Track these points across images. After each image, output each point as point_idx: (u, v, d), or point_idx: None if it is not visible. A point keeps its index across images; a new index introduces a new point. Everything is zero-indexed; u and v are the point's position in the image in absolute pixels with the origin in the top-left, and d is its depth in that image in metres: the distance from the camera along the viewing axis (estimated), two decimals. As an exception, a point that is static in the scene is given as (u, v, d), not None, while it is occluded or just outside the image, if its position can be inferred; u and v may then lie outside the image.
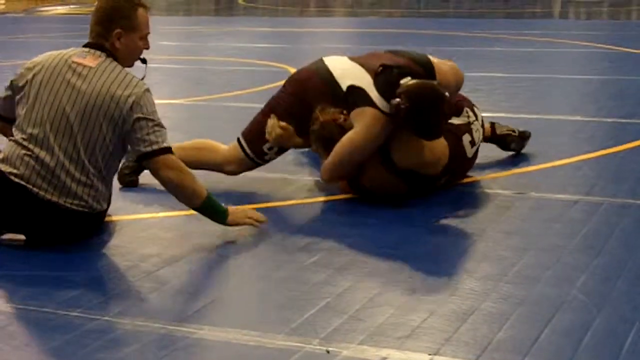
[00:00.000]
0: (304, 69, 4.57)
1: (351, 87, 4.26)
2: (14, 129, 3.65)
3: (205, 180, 4.58)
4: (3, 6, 19.90)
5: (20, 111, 3.63)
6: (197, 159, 4.50)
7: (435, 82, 4.12)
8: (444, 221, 3.99)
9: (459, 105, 4.45)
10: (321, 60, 4.52)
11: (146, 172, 4.07)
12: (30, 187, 3.52)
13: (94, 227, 3.71)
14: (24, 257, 3.55)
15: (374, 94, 4.18)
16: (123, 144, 3.63)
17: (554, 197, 4.26)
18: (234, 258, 3.51)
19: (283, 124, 4.33)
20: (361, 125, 4.15)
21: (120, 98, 3.54)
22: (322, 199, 4.33)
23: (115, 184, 4.06)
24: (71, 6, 19.52)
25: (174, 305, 3.07)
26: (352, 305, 3.01)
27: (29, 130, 3.57)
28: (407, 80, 4.11)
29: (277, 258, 3.49)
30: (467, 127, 4.37)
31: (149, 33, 3.76)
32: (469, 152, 4.39)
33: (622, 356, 2.62)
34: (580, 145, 5.34)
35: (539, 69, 8.70)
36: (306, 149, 4.74)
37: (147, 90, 3.62)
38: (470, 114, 4.45)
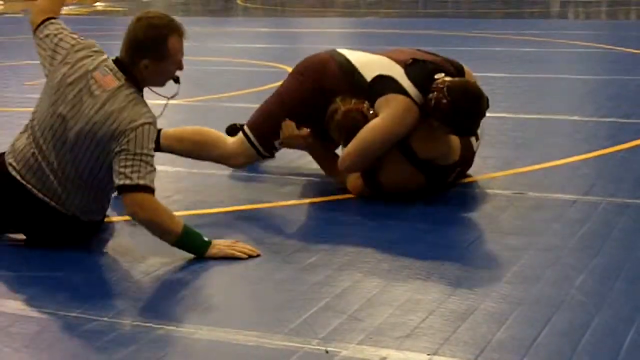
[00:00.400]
0: (315, 55, 4.50)
1: (378, 77, 4.21)
2: (32, 113, 3.65)
3: (205, 183, 4.59)
4: (2, 7, 19.91)
5: (43, 93, 3.61)
6: (199, 151, 4.47)
7: (475, 83, 4.13)
8: (443, 221, 3.99)
9: None
10: (335, 50, 4.48)
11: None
12: (30, 187, 3.53)
13: (88, 233, 3.70)
14: (24, 257, 3.55)
15: (406, 83, 4.14)
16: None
17: (553, 197, 4.26)
18: (232, 258, 3.50)
19: (304, 132, 4.29)
20: (390, 111, 4.09)
21: (114, 131, 3.43)
22: (320, 199, 4.33)
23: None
24: (70, 7, 19.51)
25: (173, 305, 3.07)
26: (351, 305, 3.01)
27: (36, 131, 3.56)
28: (442, 76, 4.12)
29: (275, 258, 3.49)
30: None
31: (181, 58, 3.61)
32: (475, 145, 4.41)
33: (621, 356, 2.63)
34: (579, 145, 5.34)
35: (538, 69, 8.71)
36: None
37: (147, 124, 3.46)
38: None
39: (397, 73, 4.20)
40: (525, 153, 5.16)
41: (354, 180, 4.25)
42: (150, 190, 3.41)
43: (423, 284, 3.21)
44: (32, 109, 3.67)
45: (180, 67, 3.62)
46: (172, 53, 3.53)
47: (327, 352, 2.67)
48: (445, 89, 4.00)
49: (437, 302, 3.03)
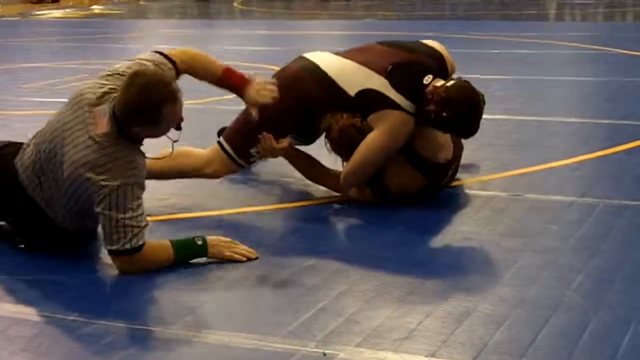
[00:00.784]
0: (285, 70, 4.44)
1: (363, 92, 4.16)
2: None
3: (200, 186, 4.58)
4: (-1, 10, 19.90)
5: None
6: (173, 168, 4.29)
7: (468, 83, 4.09)
8: (440, 223, 3.99)
9: None
10: (303, 58, 4.42)
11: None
12: (30, 190, 3.53)
13: (81, 241, 3.68)
14: (21, 261, 3.55)
15: (393, 94, 4.11)
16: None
17: (550, 199, 4.26)
18: (229, 262, 3.50)
19: (283, 144, 4.25)
20: (386, 127, 4.08)
21: (91, 185, 3.33)
22: (316, 202, 4.32)
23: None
24: (67, 10, 19.51)
25: (170, 309, 3.06)
26: (349, 308, 3.01)
27: (40, 145, 3.54)
28: (431, 79, 4.09)
29: (271, 261, 3.49)
30: None
31: (179, 121, 3.42)
32: (463, 140, 4.44)
33: (618, 357, 2.63)
34: (576, 146, 5.34)
35: (535, 71, 8.71)
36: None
37: (126, 185, 3.31)
38: None
39: (381, 85, 4.14)
40: (523, 155, 5.16)
41: (359, 188, 4.23)
42: (138, 249, 3.34)
43: (420, 286, 3.20)
44: (29, 112, 3.67)
45: (178, 127, 3.46)
46: (166, 120, 3.36)
47: (324, 354, 2.67)
48: (443, 101, 3.98)
49: (435, 304, 3.03)
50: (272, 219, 4.11)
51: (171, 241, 3.44)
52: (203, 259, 3.48)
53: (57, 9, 19.85)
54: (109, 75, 3.52)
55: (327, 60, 4.35)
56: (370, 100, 4.14)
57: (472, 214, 4.08)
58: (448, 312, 2.96)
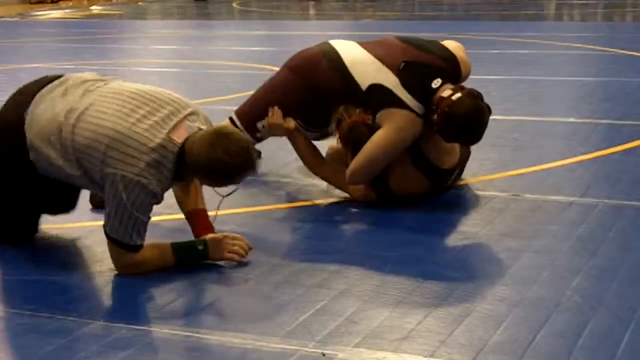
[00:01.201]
0: (306, 51, 4.49)
1: (373, 87, 4.18)
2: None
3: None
4: (-3, 11, 19.89)
5: None
6: None
7: (474, 98, 4.05)
8: (439, 223, 3.99)
9: None
10: (327, 44, 4.45)
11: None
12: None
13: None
14: (19, 261, 3.55)
15: (404, 95, 4.12)
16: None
17: (549, 199, 4.27)
18: (228, 262, 3.50)
19: (289, 123, 4.28)
20: (394, 125, 4.08)
21: (105, 160, 3.28)
22: (315, 202, 4.32)
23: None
24: (66, 10, 19.51)
25: (169, 309, 3.06)
26: (347, 308, 3.01)
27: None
28: (439, 84, 4.10)
29: (270, 262, 3.49)
30: None
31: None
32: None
33: (617, 357, 2.63)
34: (575, 147, 5.34)
35: (534, 71, 8.71)
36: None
37: (137, 182, 3.25)
38: None
39: (392, 82, 4.15)
40: (522, 155, 5.16)
41: (360, 186, 4.24)
42: (134, 248, 3.34)
43: (419, 287, 3.20)
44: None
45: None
46: (233, 183, 3.40)
47: (323, 355, 2.67)
48: (446, 116, 3.98)
49: (434, 304, 3.03)
50: (270, 219, 4.11)
51: (172, 244, 3.44)
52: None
53: (56, 9, 19.85)
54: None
55: (347, 50, 4.37)
56: (380, 96, 4.16)
57: (471, 214, 4.08)
58: (447, 312, 2.97)
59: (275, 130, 4.35)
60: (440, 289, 3.17)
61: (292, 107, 4.33)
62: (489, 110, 4.08)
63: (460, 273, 3.34)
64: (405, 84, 4.14)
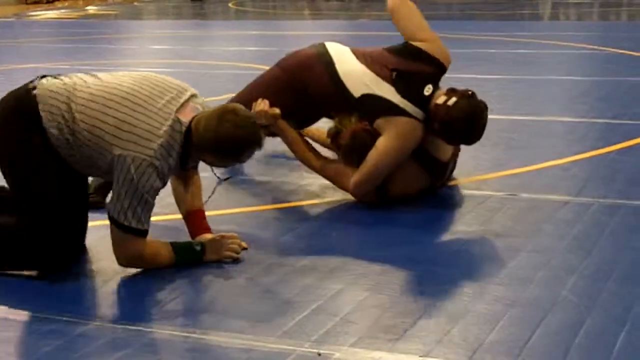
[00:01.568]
0: (302, 52, 4.49)
1: (367, 96, 4.18)
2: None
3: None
4: (-7, 11, 19.88)
5: None
6: None
7: (469, 99, 4.07)
8: (435, 223, 4.00)
9: None
10: (323, 47, 4.46)
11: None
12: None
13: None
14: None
15: (402, 102, 4.13)
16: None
17: (545, 198, 4.27)
18: (224, 262, 3.50)
19: (274, 111, 4.27)
20: (396, 132, 4.09)
21: (115, 144, 3.28)
22: (310, 202, 4.32)
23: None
24: (62, 11, 19.49)
25: (166, 309, 3.06)
26: (343, 308, 3.01)
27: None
28: (430, 90, 4.13)
29: (266, 261, 3.49)
30: None
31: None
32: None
33: (613, 356, 2.63)
34: (571, 146, 5.35)
35: (530, 71, 8.72)
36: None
37: (146, 161, 3.25)
38: None
39: (388, 92, 4.16)
40: (517, 154, 5.17)
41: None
42: (141, 233, 3.32)
43: (415, 286, 3.21)
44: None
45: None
46: (240, 159, 3.44)
47: (319, 354, 2.67)
48: (446, 123, 4.02)
49: (429, 304, 3.04)
50: (266, 219, 4.11)
51: (171, 243, 3.45)
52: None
53: (51, 9, 19.83)
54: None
55: (342, 59, 4.37)
56: (375, 105, 4.16)
57: (466, 214, 4.08)
58: (443, 311, 2.97)
59: (260, 118, 4.30)
60: (436, 289, 3.18)
61: (278, 107, 4.31)
62: (485, 107, 4.10)
63: (456, 272, 3.34)
64: (401, 92, 4.16)
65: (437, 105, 4.06)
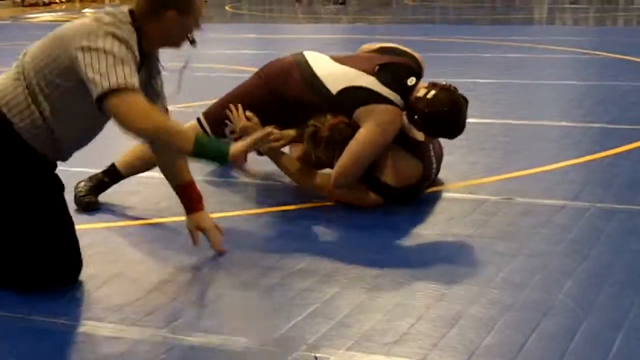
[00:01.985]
0: (279, 60, 4.50)
1: (345, 89, 4.21)
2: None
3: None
4: (-11, 13, 19.87)
5: None
6: (149, 155, 4.16)
7: (448, 93, 4.12)
8: (431, 227, 4.00)
9: None
10: (301, 55, 4.47)
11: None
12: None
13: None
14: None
15: (383, 90, 4.16)
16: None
17: (541, 203, 4.27)
18: (220, 265, 3.50)
19: (249, 114, 4.25)
20: (376, 121, 4.10)
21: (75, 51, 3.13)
22: (307, 205, 4.32)
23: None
24: (58, 13, 19.48)
25: (161, 312, 3.06)
26: (340, 312, 3.01)
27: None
28: (413, 81, 4.19)
29: (263, 265, 3.49)
30: None
31: (198, 26, 3.39)
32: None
33: (609, 361, 2.64)
34: (567, 150, 5.35)
35: (525, 75, 8.73)
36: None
37: (105, 33, 3.12)
38: None
39: (370, 82, 4.20)
40: (513, 159, 5.17)
41: (358, 192, 4.24)
42: (131, 88, 3.10)
43: (411, 290, 3.21)
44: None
45: (193, 41, 3.43)
46: (195, 8, 3.32)
47: (315, 358, 2.67)
48: (428, 116, 4.07)
49: (426, 307, 3.03)
50: (263, 223, 4.11)
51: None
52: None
53: (48, 12, 19.83)
54: None
55: (320, 62, 4.39)
56: (354, 96, 4.19)
57: (462, 218, 4.08)
58: (439, 315, 2.97)
59: (243, 132, 4.15)
60: (432, 292, 3.17)
61: (259, 115, 4.28)
62: (465, 101, 4.15)
63: (452, 276, 3.34)
64: (382, 81, 4.20)
65: (417, 97, 4.12)
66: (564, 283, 3.23)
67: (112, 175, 4.35)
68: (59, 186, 3.35)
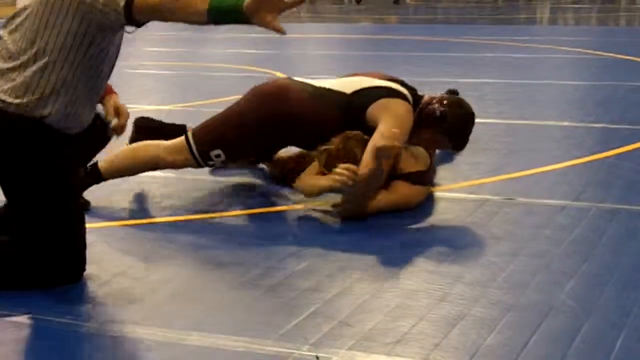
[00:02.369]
0: (270, 82, 4.45)
1: (362, 89, 4.25)
2: None
3: (194, 188, 4.58)
4: (-9, 12, 19.84)
5: None
6: (133, 159, 4.29)
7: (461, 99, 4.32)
8: (432, 227, 4.00)
9: None
10: (290, 78, 4.50)
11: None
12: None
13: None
14: None
15: (397, 87, 4.25)
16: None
17: (543, 203, 4.27)
18: (223, 264, 3.51)
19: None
20: (394, 114, 4.11)
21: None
22: (310, 205, 4.32)
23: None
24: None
25: (163, 311, 3.06)
26: (342, 311, 3.01)
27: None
28: (422, 93, 4.33)
29: (265, 265, 3.49)
30: None
31: None
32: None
33: (610, 361, 2.64)
34: (569, 150, 5.35)
35: (528, 75, 8.73)
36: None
37: None
38: None
39: (384, 83, 4.28)
40: (515, 159, 5.17)
41: (405, 191, 4.17)
42: None
43: (413, 290, 3.21)
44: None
45: None
46: None
47: (317, 357, 2.67)
48: (450, 108, 4.19)
49: (427, 307, 3.04)
50: (265, 222, 4.11)
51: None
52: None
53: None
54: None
55: (319, 81, 4.45)
56: (370, 94, 4.22)
57: (464, 218, 4.08)
58: (441, 315, 2.97)
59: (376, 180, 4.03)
60: (434, 293, 3.18)
61: (251, 136, 4.26)
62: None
63: (454, 277, 3.34)
64: (394, 82, 4.30)
65: (431, 97, 4.24)
66: (566, 283, 3.23)
67: (93, 176, 4.30)
68: (71, 168, 3.29)
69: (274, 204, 4.34)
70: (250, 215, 4.18)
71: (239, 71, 9.21)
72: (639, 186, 4.54)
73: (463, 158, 5.01)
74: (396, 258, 3.56)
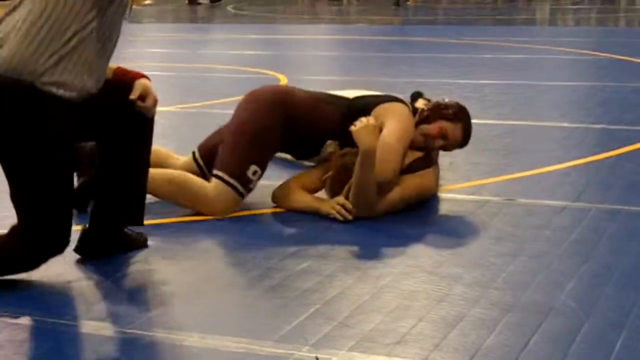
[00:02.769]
0: (267, 88, 4.45)
1: (363, 96, 4.31)
2: None
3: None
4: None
5: None
6: (178, 198, 4.14)
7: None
8: (432, 228, 4.00)
9: None
10: (287, 86, 4.55)
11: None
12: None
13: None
14: None
15: (394, 93, 4.31)
16: None
17: (543, 204, 4.27)
18: (223, 265, 3.51)
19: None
20: (397, 116, 4.14)
21: None
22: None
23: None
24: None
25: (162, 313, 3.06)
26: (341, 312, 3.01)
27: None
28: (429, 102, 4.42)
29: (265, 265, 3.49)
30: None
31: None
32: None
33: (610, 362, 2.63)
34: (569, 151, 5.35)
35: (527, 76, 8.73)
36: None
37: None
38: None
39: (383, 93, 4.35)
40: (515, 159, 5.17)
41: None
42: None
43: (413, 291, 3.21)
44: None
45: None
46: None
47: (317, 358, 2.67)
48: (452, 114, 4.26)
49: (427, 308, 3.03)
50: (266, 222, 4.11)
51: None
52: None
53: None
54: None
55: (317, 91, 4.49)
56: (370, 100, 4.25)
57: (464, 219, 4.08)
58: (440, 316, 2.97)
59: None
60: (434, 293, 3.17)
61: (267, 143, 4.21)
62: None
63: (454, 277, 3.34)
64: (391, 92, 4.39)
65: (428, 100, 4.34)
66: (566, 284, 3.23)
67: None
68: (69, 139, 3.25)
69: (273, 205, 4.34)
70: (250, 216, 4.18)
71: (239, 72, 9.21)
72: (639, 187, 4.54)
73: (463, 158, 5.01)
74: (395, 259, 3.55)
